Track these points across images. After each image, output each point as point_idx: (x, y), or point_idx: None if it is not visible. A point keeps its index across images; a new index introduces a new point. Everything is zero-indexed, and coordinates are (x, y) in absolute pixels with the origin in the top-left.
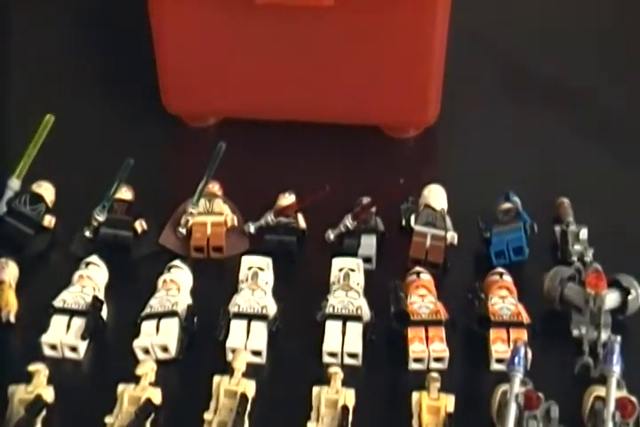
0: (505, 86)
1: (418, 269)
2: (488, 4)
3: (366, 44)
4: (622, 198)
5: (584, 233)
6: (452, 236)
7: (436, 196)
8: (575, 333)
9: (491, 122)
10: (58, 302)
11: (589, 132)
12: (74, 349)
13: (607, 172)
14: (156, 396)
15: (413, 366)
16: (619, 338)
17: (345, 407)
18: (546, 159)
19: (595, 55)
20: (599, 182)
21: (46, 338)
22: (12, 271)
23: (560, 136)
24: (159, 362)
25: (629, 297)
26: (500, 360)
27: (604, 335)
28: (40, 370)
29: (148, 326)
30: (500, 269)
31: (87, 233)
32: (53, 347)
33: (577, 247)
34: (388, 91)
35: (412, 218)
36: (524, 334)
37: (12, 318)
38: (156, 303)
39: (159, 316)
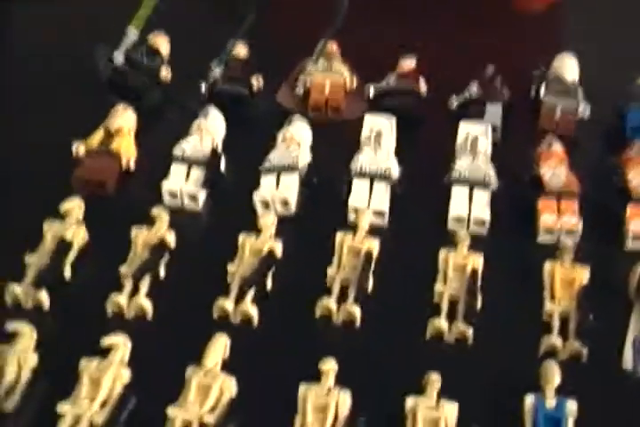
0: None
1: (549, 139)
2: None
3: None
4: None
5: None
6: (584, 108)
7: (567, 66)
8: None
9: None
10: (177, 151)
11: None
12: (193, 197)
13: None
14: (277, 249)
15: (543, 237)
16: None
17: (474, 271)
18: None
19: None
20: None
21: (167, 185)
22: (129, 118)
23: None
24: (279, 219)
25: None
26: (637, 238)
27: None
28: (162, 215)
29: (268, 180)
30: None
31: (203, 87)
32: (173, 195)
33: None
34: None
35: (542, 89)
36: None
37: (132, 166)
38: (275, 158)
39: (279, 170)
